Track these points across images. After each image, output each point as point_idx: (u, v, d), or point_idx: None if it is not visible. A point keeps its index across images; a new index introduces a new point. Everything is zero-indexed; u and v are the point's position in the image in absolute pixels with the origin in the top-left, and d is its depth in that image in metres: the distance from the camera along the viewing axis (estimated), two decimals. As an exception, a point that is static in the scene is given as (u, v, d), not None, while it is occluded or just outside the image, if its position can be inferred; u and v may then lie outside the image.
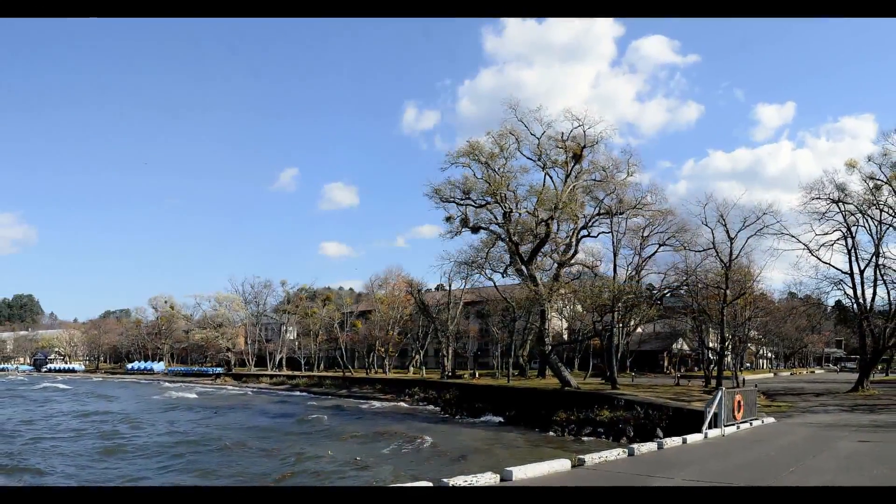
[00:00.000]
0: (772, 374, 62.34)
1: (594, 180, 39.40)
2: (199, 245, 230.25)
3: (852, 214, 34.43)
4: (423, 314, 61.09)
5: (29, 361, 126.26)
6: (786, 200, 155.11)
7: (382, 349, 66.91)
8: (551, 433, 28.70)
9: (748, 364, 67.89)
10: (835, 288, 36.73)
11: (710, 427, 15.93)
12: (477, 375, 52.75)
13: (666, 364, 63.53)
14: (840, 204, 34.18)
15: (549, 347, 39.32)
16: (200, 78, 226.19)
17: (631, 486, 8.95)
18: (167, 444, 26.18)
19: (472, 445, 25.40)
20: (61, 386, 71.44)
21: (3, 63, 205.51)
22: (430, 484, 8.26)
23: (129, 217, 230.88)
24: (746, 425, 17.86)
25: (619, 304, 37.56)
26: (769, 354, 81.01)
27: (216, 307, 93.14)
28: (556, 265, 41.07)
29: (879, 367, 50.07)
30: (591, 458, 11.21)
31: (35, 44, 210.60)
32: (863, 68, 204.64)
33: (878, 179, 33.00)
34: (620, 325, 40.33)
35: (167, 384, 75.65)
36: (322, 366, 78.34)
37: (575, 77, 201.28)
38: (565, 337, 55.78)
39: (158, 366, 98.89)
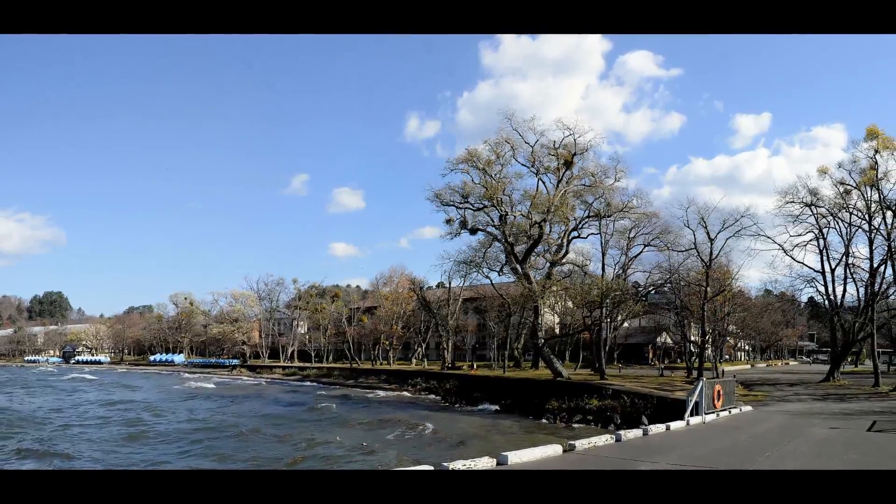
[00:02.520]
0: (749, 366, 62.27)
1: (584, 185, 39.36)
2: (216, 245, 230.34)
3: (824, 217, 34.44)
4: (425, 310, 61.00)
5: (58, 354, 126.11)
6: (762, 204, 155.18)
7: (387, 342, 66.84)
8: (544, 420, 28.66)
9: (727, 356, 67.79)
10: (808, 285, 36.79)
11: (691, 415, 15.91)
12: (475, 367, 52.68)
13: (651, 356, 63.44)
14: (812, 207, 34.19)
15: (542, 341, 39.29)
16: (218, 90, 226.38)
17: (618, 469, 8.95)
18: (187, 431, 26.11)
19: (471, 432, 25.36)
20: (88, 377, 71.36)
21: (36, 76, 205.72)
22: (432, 467, 8.27)
23: (152, 219, 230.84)
24: (726, 413, 17.84)
25: (607, 301, 37.51)
26: (747, 347, 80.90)
27: (232, 303, 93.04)
28: (548, 264, 41.02)
29: (849, 360, 50.11)
30: (581, 444, 11.20)
31: (65, 59, 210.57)
32: (834, 81, 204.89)
33: (848, 185, 32.98)
34: (608, 319, 40.20)
35: (187, 375, 75.57)
36: (331, 358, 78.23)
37: (566, 89, 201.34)
38: (557, 331, 55.65)
39: (179, 358, 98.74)
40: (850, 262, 34.00)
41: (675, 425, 14.79)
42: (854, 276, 34.45)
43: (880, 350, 37.75)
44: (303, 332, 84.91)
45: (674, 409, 19.68)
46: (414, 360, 66.36)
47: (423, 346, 67.74)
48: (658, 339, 63.86)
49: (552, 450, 10.31)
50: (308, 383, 60.35)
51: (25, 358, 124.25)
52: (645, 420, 22.01)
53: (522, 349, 52.73)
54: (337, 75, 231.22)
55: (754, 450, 11.62)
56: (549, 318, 55.90)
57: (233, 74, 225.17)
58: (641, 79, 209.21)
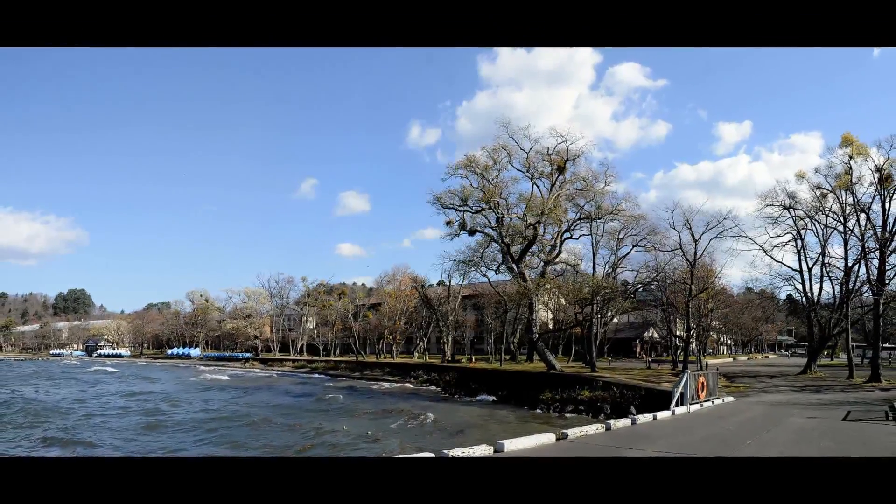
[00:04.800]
0: (731, 359, 62.25)
1: (576, 189, 39.35)
2: (230, 246, 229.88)
3: (801, 219, 34.42)
4: (426, 307, 61.00)
5: (81, 348, 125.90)
6: (743, 207, 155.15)
7: (390, 337, 66.80)
8: (538, 410, 28.67)
9: (710, 350, 67.76)
10: (786, 283, 36.81)
11: (677, 405, 15.91)
12: (473, 360, 52.69)
13: (639, 350, 63.41)
14: (791, 210, 34.18)
15: (537, 335, 39.30)
16: (232, 101, 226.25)
17: (608, 456, 8.95)
18: (202, 420, 26.13)
19: (469, 421, 25.37)
20: (109, 369, 71.26)
21: (62, 88, 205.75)
22: (433, 455, 8.27)
23: (170, 221, 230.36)
24: (709, 404, 17.84)
25: (598, 298, 37.52)
26: (729, 342, 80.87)
27: (245, 300, 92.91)
28: (542, 263, 41.01)
29: (825, 353, 50.07)
30: (573, 433, 11.20)
31: (89, 70, 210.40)
32: (811, 91, 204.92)
33: (824, 189, 32.99)
34: (599, 315, 40.19)
35: (202, 368, 75.49)
36: (338, 352, 78.15)
37: (559, 99, 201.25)
38: (550, 326, 55.59)
39: (195, 351, 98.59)
40: (826, 261, 34.02)
41: (662, 415, 14.79)
42: (830, 274, 34.45)
43: (854, 344, 37.75)
44: (311, 327, 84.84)
45: (660, 400, 19.70)
46: (416, 354, 66.33)
47: (425, 340, 67.74)
48: (646, 334, 63.84)
49: (546, 438, 10.31)
50: (316, 375, 60.26)
51: (51, 352, 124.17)
52: (633, 410, 22.01)
53: (518, 343, 52.70)
54: (343, 87, 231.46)
55: (737, 438, 11.62)
56: (543, 315, 55.88)
57: (246, 86, 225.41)
58: (630, 89, 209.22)
